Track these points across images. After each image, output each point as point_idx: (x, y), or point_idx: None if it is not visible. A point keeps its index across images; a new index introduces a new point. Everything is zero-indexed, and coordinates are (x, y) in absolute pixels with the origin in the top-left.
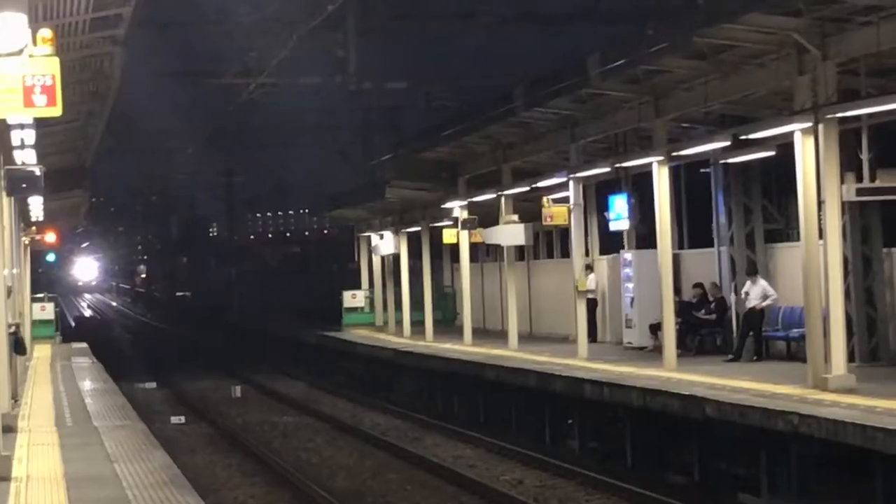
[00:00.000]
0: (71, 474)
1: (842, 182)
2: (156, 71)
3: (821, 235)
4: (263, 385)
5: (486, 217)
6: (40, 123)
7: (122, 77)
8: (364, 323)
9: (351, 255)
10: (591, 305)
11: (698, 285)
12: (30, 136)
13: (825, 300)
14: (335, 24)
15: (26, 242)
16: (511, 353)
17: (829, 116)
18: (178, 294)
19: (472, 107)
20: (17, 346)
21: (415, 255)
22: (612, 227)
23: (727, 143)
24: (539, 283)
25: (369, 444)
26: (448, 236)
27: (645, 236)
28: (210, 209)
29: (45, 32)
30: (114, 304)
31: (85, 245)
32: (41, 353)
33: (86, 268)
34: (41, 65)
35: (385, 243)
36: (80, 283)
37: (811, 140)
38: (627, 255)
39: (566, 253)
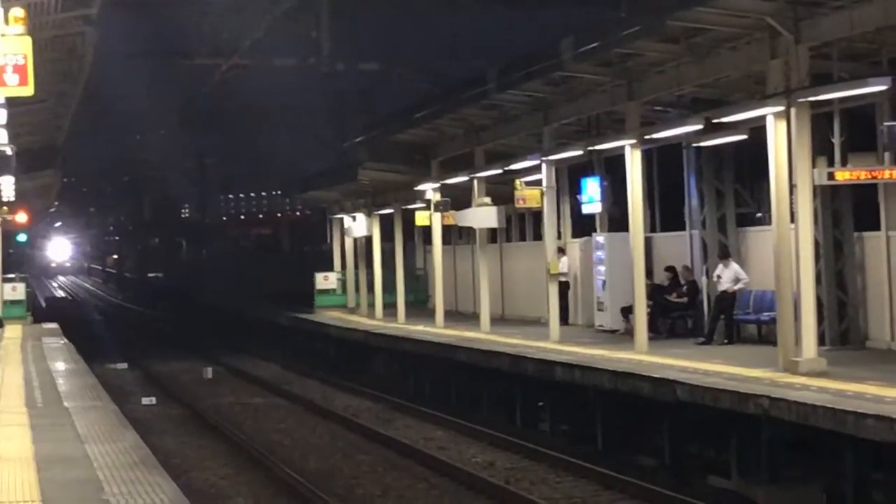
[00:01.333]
0: (41, 455)
1: (813, 166)
2: (128, 51)
3: (792, 219)
4: (235, 366)
5: (458, 199)
6: (12, 103)
7: (95, 57)
8: (336, 305)
9: (323, 237)
10: (564, 288)
11: (670, 268)
12: (1, 115)
13: (796, 284)
14: (308, 6)
15: None
16: (483, 335)
17: (801, 100)
18: (150, 275)
19: (445, 89)
20: None
21: (387, 237)
22: (585, 209)
23: (700, 127)
24: (511, 265)
25: (341, 426)
26: (421, 218)
27: (617, 219)
28: (182, 190)
29: (18, 12)
30: (87, 285)
31: (57, 225)
32: (12, 334)
33: (58, 249)
34: (13, 44)
35: (357, 225)
36: (53, 265)
37: (783, 124)
38: (600, 238)
39: (539, 236)
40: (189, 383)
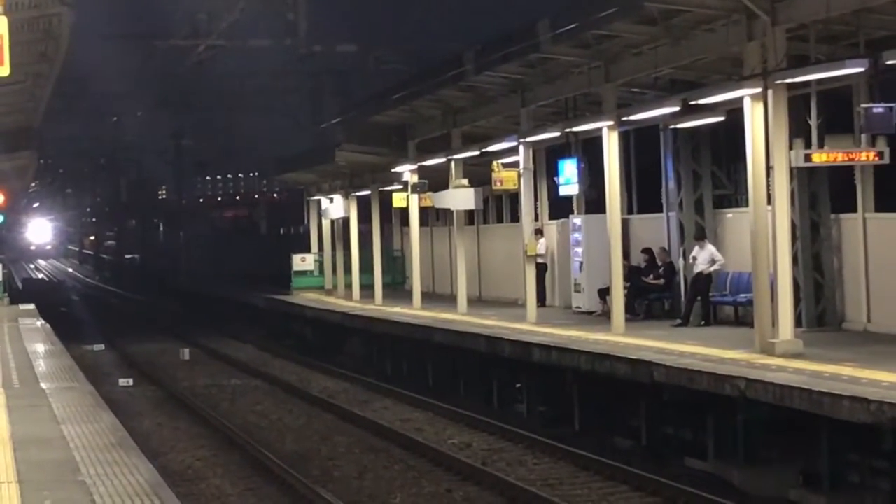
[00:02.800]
0: (18, 436)
1: (790, 148)
2: (105, 32)
3: (769, 201)
4: (212, 348)
5: (436, 181)
6: None
7: (71, 38)
8: (313, 286)
9: (300, 219)
10: (541, 270)
11: (647, 250)
12: None
13: (773, 266)
14: None
15: None
16: (460, 317)
17: (778, 82)
18: (128, 256)
19: (422, 71)
20: None
21: (364, 218)
22: (562, 191)
23: (677, 109)
24: (489, 247)
25: (317, 408)
26: (398, 200)
27: (595, 201)
28: (159, 172)
29: None
30: (65, 267)
31: (35, 206)
32: None
33: (38, 230)
34: None
35: (335, 207)
36: (33, 247)
37: (760, 106)
38: (577, 219)
39: (516, 217)
40: (166, 365)
